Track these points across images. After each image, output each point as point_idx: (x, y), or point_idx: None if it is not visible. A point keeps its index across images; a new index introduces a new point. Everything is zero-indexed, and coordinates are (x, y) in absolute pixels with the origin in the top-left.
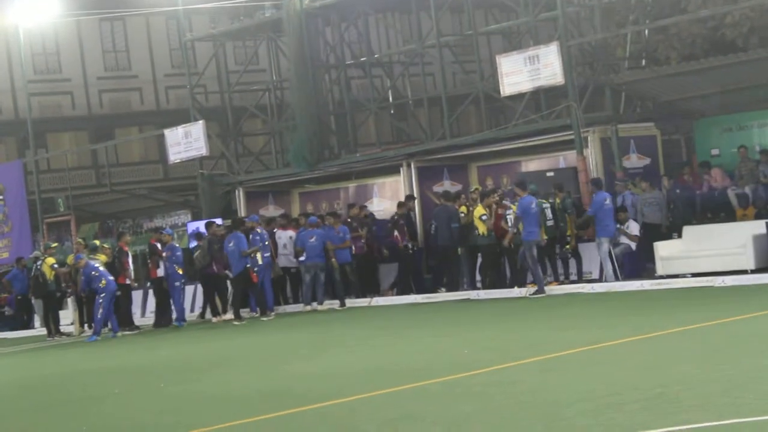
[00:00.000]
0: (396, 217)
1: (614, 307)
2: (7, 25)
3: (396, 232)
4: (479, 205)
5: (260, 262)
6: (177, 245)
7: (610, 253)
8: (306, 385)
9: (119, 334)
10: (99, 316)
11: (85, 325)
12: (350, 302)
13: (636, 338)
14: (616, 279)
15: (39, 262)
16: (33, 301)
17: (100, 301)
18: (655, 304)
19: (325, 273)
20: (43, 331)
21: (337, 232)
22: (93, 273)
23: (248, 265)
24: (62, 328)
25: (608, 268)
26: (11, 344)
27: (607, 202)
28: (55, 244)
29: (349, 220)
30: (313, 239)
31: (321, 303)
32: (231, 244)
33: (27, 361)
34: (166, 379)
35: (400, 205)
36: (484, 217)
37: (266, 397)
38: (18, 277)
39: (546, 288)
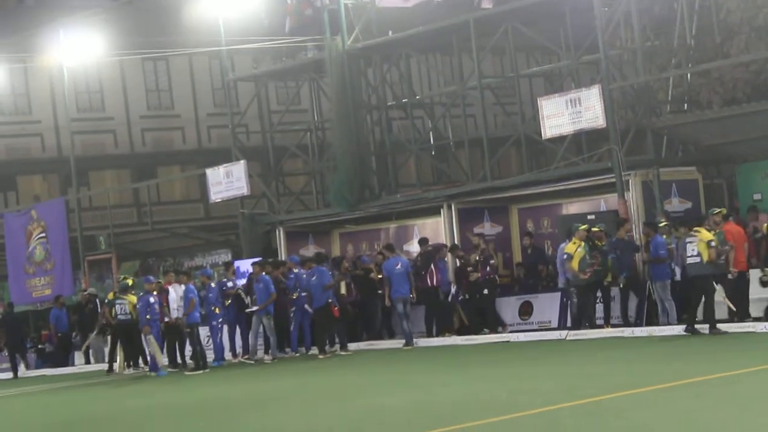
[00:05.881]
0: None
1: (654, 352)
2: (52, 63)
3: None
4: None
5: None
6: (213, 285)
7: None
8: (345, 427)
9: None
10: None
11: (125, 363)
12: (387, 344)
13: (676, 384)
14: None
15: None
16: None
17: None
18: (696, 350)
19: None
20: (84, 368)
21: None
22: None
23: (330, 300)
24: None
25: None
26: (52, 381)
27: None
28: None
29: (419, 258)
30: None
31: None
32: (314, 278)
33: (67, 398)
34: (206, 419)
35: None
36: (713, 244)
37: None
38: (59, 317)
39: (594, 331)
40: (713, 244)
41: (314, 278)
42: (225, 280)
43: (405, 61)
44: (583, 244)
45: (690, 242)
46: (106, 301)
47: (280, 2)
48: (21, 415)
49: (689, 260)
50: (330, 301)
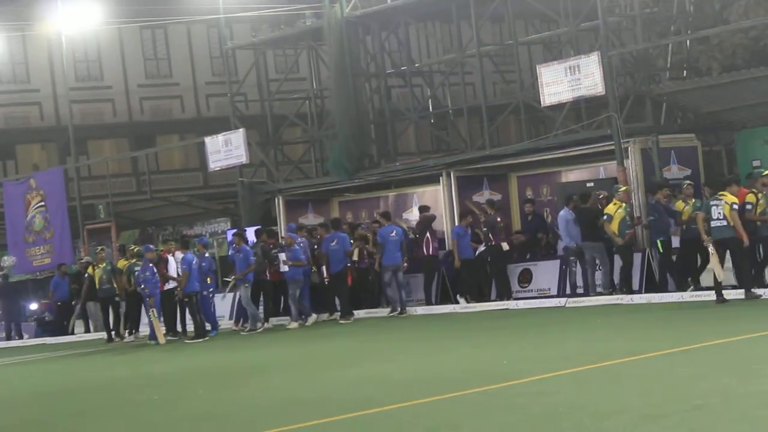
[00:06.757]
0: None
1: (653, 319)
2: (50, 32)
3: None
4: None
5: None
6: (207, 255)
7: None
8: (345, 393)
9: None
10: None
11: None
12: (386, 312)
13: (675, 350)
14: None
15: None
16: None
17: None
18: (695, 316)
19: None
20: (84, 336)
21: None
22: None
23: (348, 265)
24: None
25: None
26: (51, 350)
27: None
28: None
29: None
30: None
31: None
32: (333, 243)
33: (67, 366)
34: (205, 386)
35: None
36: (735, 206)
37: (306, 405)
38: (59, 284)
39: (593, 298)
40: (735, 206)
41: (334, 243)
42: (243, 245)
43: (404, 28)
44: (624, 205)
45: (715, 205)
46: (115, 268)
47: None
48: (16, 384)
49: (714, 223)
50: (348, 265)
